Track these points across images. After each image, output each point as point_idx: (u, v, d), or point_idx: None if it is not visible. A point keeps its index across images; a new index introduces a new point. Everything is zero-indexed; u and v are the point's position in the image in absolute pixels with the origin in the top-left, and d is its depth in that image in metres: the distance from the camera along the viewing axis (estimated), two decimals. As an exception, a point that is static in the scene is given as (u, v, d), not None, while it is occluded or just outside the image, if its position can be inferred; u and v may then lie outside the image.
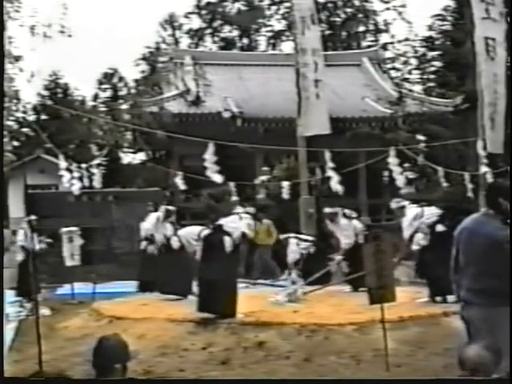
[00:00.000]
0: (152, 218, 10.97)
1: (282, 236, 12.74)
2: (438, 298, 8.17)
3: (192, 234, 8.77)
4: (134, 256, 11.78)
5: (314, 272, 11.08)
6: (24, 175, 18.47)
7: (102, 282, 12.02)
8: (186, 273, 9.32)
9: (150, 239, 11.06)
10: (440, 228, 8.28)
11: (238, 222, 7.96)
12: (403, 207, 8.97)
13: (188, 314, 7.70)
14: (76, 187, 10.39)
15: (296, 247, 12.17)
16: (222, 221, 8.02)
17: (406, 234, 8.61)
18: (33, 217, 12.02)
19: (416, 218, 8.54)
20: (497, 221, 4.21)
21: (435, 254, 8.16)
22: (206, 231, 8.09)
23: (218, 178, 8.48)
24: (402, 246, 9.08)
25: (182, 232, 9.41)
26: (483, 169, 12.98)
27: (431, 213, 8.61)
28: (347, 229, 10.00)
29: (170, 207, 11.09)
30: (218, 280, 7.52)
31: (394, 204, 9.16)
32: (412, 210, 8.77)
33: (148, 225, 10.86)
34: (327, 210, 10.50)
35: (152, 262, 11.08)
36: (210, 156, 9.85)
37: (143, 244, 11.06)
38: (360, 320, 7.04)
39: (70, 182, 10.27)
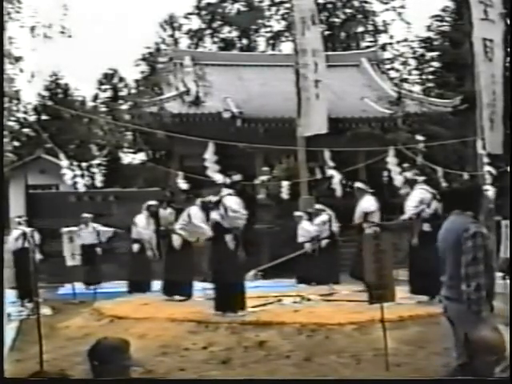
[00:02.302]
0: (141, 220, 11.10)
1: (297, 213, 12.79)
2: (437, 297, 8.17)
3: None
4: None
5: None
6: (25, 175, 18.48)
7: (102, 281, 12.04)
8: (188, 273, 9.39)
9: (139, 240, 11.15)
10: (426, 228, 8.29)
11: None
12: (415, 181, 8.88)
13: (189, 314, 7.73)
14: (79, 185, 10.50)
15: (310, 227, 12.13)
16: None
17: (410, 212, 8.56)
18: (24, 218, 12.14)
19: (423, 202, 8.46)
20: (466, 217, 4.29)
21: (426, 252, 8.24)
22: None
23: (218, 178, 8.46)
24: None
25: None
26: (482, 169, 13.04)
27: (435, 208, 8.51)
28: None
29: (152, 202, 11.21)
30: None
31: (409, 174, 9.17)
32: (421, 192, 8.61)
33: (139, 227, 11.02)
34: (358, 184, 10.30)
35: (142, 263, 11.16)
36: (210, 156, 9.89)
37: (135, 247, 11.16)
38: (360, 319, 7.07)
39: (73, 179, 10.37)
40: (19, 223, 11.91)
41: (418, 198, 8.51)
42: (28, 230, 11.80)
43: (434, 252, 7.58)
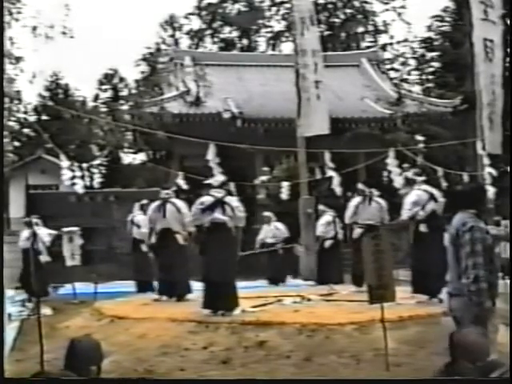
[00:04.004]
0: (143, 221, 11.03)
1: (266, 213, 12.81)
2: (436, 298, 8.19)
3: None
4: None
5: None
6: (25, 175, 18.56)
7: (103, 281, 12.04)
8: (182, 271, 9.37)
9: (144, 241, 11.05)
10: (423, 229, 8.31)
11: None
12: (414, 182, 8.92)
13: (189, 314, 7.74)
14: (78, 186, 10.50)
15: (282, 227, 12.13)
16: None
17: (405, 214, 8.58)
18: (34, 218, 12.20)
19: (417, 204, 8.50)
20: (466, 213, 4.33)
21: (422, 252, 8.28)
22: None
23: (219, 179, 8.46)
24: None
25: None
26: (482, 169, 13.04)
27: (433, 207, 8.51)
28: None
29: (145, 201, 11.14)
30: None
31: (410, 174, 9.23)
32: (416, 194, 8.64)
33: (144, 228, 10.94)
34: (360, 185, 10.34)
35: (147, 262, 11.07)
36: (212, 157, 9.91)
37: (143, 247, 11.07)
38: (360, 319, 7.08)
39: (72, 180, 10.37)
40: (36, 223, 12.07)
41: (412, 200, 8.56)
42: (40, 230, 12.03)
43: (430, 252, 7.60)
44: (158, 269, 9.66)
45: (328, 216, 11.93)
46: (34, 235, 11.74)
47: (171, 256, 9.37)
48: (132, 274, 11.42)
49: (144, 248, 11.03)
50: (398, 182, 12.34)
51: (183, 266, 9.48)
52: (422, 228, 8.35)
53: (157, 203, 9.63)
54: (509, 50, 11.53)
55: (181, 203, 9.65)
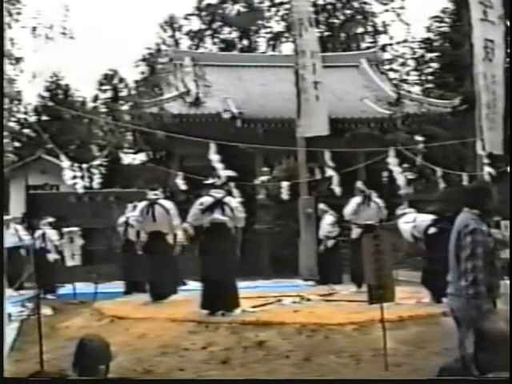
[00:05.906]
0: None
1: None
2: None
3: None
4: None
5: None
6: (25, 176, 18.55)
7: (103, 282, 12.05)
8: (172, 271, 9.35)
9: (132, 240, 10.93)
10: (432, 230, 8.39)
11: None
12: (403, 214, 9.18)
13: (189, 314, 7.75)
14: (79, 186, 10.55)
15: None
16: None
17: (406, 236, 8.79)
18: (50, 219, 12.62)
19: (407, 222, 8.69)
20: (469, 214, 4.33)
21: (430, 256, 8.34)
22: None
23: (226, 173, 8.48)
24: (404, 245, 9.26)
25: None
26: (482, 169, 13.04)
27: (425, 219, 8.65)
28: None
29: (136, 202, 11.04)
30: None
31: (398, 211, 9.50)
32: (407, 217, 8.94)
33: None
34: (359, 184, 10.37)
35: (137, 262, 10.99)
36: (214, 156, 9.94)
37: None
38: (360, 320, 7.09)
39: (73, 180, 10.42)
40: (47, 224, 12.47)
41: (402, 220, 8.74)
42: (50, 231, 12.38)
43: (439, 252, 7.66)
44: (150, 270, 9.46)
45: (331, 216, 11.93)
46: (44, 235, 12.18)
47: (162, 258, 9.32)
48: (122, 275, 11.46)
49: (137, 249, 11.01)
50: (400, 180, 12.39)
51: (174, 267, 9.48)
52: (432, 230, 8.43)
53: (144, 204, 9.44)
54: (509, 50, 11.53)
55: (169, 204, 9.50)
